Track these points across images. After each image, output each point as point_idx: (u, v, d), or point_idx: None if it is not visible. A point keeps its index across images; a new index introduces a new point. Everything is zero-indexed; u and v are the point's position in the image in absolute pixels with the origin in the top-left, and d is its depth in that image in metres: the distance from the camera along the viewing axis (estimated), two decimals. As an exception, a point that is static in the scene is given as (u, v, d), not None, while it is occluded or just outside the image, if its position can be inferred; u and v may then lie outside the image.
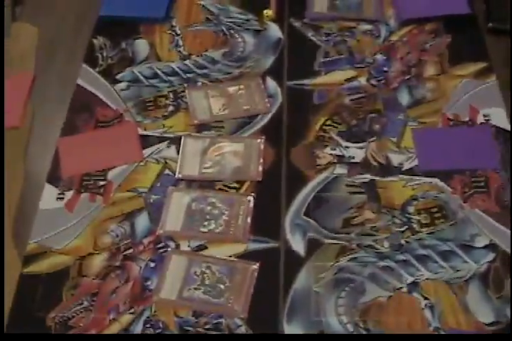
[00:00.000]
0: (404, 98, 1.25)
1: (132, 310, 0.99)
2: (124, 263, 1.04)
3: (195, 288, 1.01)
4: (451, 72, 1.28)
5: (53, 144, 1.20)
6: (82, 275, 1.03)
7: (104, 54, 1.36)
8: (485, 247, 1.04)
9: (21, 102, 1.26)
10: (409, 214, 1.08)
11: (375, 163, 1.15)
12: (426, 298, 0.99)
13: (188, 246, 1.06)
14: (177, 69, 1.32)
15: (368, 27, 1.38)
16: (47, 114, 1.26)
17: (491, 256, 1.03)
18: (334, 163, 1.15)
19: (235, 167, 1.15)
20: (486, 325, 0.96)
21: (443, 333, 0.95)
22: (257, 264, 1.02)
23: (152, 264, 1.04)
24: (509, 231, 1.05)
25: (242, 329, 0.97)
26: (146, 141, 1.20)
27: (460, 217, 1.07)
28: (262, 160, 1.16)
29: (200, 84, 1.29)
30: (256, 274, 1.02)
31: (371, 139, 1.18)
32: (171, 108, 1.25)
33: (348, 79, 1.28)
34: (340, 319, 0.97)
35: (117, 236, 1.08)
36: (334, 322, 0.97)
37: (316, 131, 1.20)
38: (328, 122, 1.21)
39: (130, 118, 1.24)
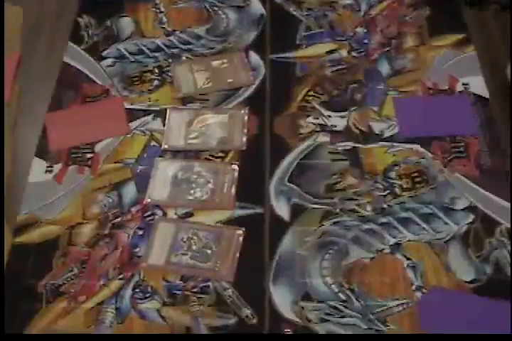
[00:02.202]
0: (384, 68, 1.27)
1: (121, 276, 1.02)
2: (112, 232, 1.07)
3: (183, 254, 1.03)
4: (430, 43, 1.30)
5: (41, 119, 1.21)
6: (71, 244, 1.06)
7: (90, 32, 1.37)
8: (464, 209, 1.07)
9: (9, 79, 1.27)
10: (390, 179, 1.10)
11: (356, 131, 1.17)
12: (408, 259, 1.01)
13: (175, 214, 1.08)
14: (161, 45, 1.34)
15: (349, 1, 1.40)
16: (34, 90, 1.28)
17: (470, 217, 1.06)
18: (317, 131, 1.17)
19: (220, 137, 1.17)
20: (467, 282, 0.99)
21: (424, 291, 0.98)
22: (243, 229, 1.05)
23: (140, 232, 1.06)
24: (488, 194, 1.08)
25: (229, 292, 0.99)
26: (132, 114, 1.22)
27: (440, 181, 1.10)
28: (246, 130, 1.18)
29: (184, 58, 1.31)
30: (241, 239, 1.04)
31: (353, 108, 1.20)
32: (156, 82, 1.27)
33: (330, 52, 1.30)
34: (325, 280, 1.00)
35: (105, 205, 1.10)
36: (319, 283, 1.00)
37: (298, 101, 1.22)
38: (311, 93, 1.23)
39: (116, 94, 1.25)
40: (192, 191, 1.10)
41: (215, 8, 1.40)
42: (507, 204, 1.06)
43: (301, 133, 1.17)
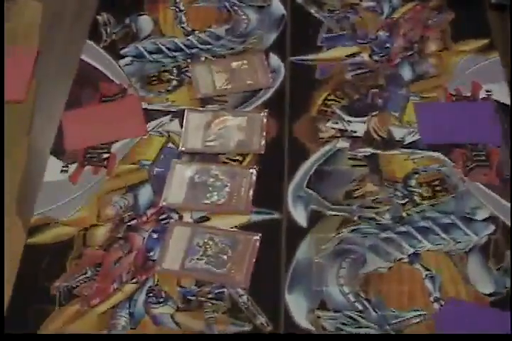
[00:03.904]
0: (406, 73, 1.25)
1: (135, 280, 1.00)
2: (127, 234, 1.05)
3: (198, 259, 1.02)
4: (453, 48, 1.29)
5: (57, 118, 1.21)
6: (86, 246, 1.05)
7: (108, 30, 1.36)
8: (485, 220, 1.05)
9: (25, 77, 1.27)
10: (410, 186, 1.09)
11: (377, 137, 1.16)
12: (427, 269, 1.00)
13: (191, 218, 1.07)
14: (181, 44, 1.32)
15: (371, 4, 1.38)
16: (50, 88, 1.27)
17: (491, 228, 1.04)
18: (337, 136, 1.16)
19: (238, 140, 1.16)
20: (486, 295, 0.97)
21: (442, 303, 0.96)
22: (259, 235, 1.03)
23: (155, 235, 1.05)
24: (510, 204, 1.06)
25: (244, 299, 0.98)
26: (149, 115, 1.21)
27: (461, 190, 1.08)
28: (264, 134, 1.16)
29: (203, 59, 1.30)
30: (258, 245, 1.03)
31: (373, 113, 1.19)
32: (174, 82, 1.26)
33: (351, 55, 1.29)
34: (342, 289, 0.98)
35: (121, 207, 1.09)
36: (335, 292, 0.98)
37: (318, 105, 1.21)
38: (331, 97, 1.22)
39: (134, 93, 1.24)
40: (209, 195, 1.09)
41: (235, 8, 1.39)
42: (529, 216, 1.05)
43: (321, 138, 1.16)
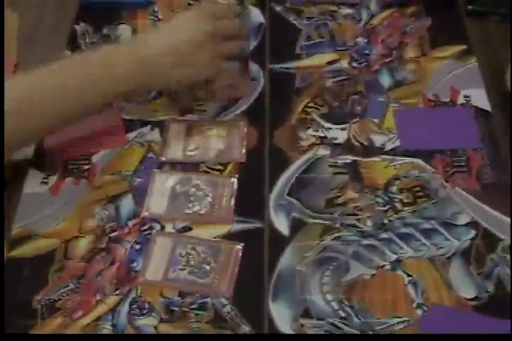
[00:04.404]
0: (385, 80, 1.26)
1: (118, 292, 1.00)
2: (109, 246, 1.05)
3: (181, 269, 1.01)
4: (431, 54, 1.29)
5: (37, 129, 1.19)
6: (67, 258, 1.04)
7: (87, 40, 1.36)
8: (466, 225, 1.05)
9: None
10: (391, 193, 1.09)
11: (357, 144, 1.16)
12: (409, 275, 1.00)
13: (173, 228, 1.07)
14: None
15: (349, 11, 1.39)
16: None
17: (472, 233, 1.04)
18: (317, 144, 1.16)
19: (219, 149, 1.16)
20: (468, 299, 0.97)
21: (425, 309, 0.96)
22: (242, 244, 1.03)
23: (137, 246, 1.05)
24: (490, 209, 1.07)
25: (228, 309, 0.98)
26: (129, 125, 1.20)
27: (441, 196, 1.09)
28: (245, 142, 1.16)
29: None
30: (240, 254, 1.02)
31: (353, 120, 1.19)
32: (153, 93, 1.25)
33: (330, 62, 1.29)
34: (325, 297, 0.98)
35: (102, 219, 1.08)
36: (319, 300, 0.98)
37: (298, 113, 1.21)
38: (311, 104, 1.22)
39: (114, 104, 1.23)
40: (190, 204, 1.09)
41: (214, 16, 1.39)
42: (509, 220, 1.05)
43: (301, 146, 1.16)
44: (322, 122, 1.19)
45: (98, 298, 0.99)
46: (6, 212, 1.09)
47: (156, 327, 0.96)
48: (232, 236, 1.05)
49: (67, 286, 1.01)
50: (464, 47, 1.30)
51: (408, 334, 0.95)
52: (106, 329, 0.96)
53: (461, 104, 1.21)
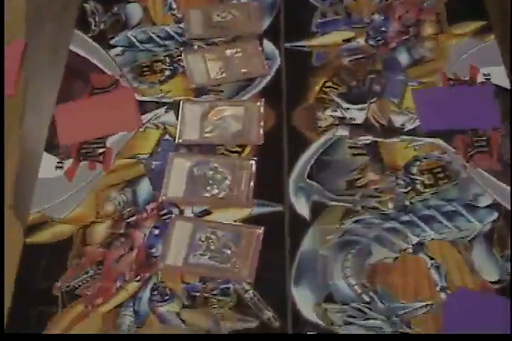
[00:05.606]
0: (403, 58, 1.23)
1: (138, 278, 0.99)
2: (127, 231, 1.04)
3: (201, 254, 1.00)
4: (449, 31, 1.26)
5: (49, 112, 1.17)
6: (85, 244, 1.03)
7: (97, 19, 1.32)
8: (488, 206, 1.04)
9: (14, 70, 1.23)
10: (412, 174, 1.08)
11: (376, 124, 1.14)
12: (432, 258, 0.99)
13: (192, 212, 1.05)
14: (172, 32, 1.29)
15: (365, -14, 1.36)
16: (40, 81, 1.23)
17: (494, 215, 1.03)
18: (336, 124, 1.14)
19: (236, 131, 1.14)
20: (491, 283, 0.97)
21: (449, 292, 0.96)
22: (262, 228, 1.02)
23: (156, 231, 1.03)
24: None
25: (250, 294, 0.97)
26: (144, 107, 1.18)
27: (463, 177, 1.07)
28: (262, 124, 1.14)
29: (196, 47, 1.27)
30: (261, 238, 1.01)
31: (372, 100, 1.17)
32: (167, 72, 1.23)
33: (346, 40, 1.26)
34: (348, 281, 0.98)
35: (119, 203, 1.07)
36: (342, 284, 0.97)
37: (316, 92, 1.18)
38: (328, 84, 1.19)
39: (126, 84, 1.21)
40: (209, 188, 1.07)
41: (227, -7, 1.36)
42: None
43: (319, 127, 1.14)
44: (340, 102, 1.17)
45: (119, 284, 0.98)
46: (22, 196, 1.08)
47: (178, 314, 0.96)
48: (252, 220, 1.04)
49: (87, 273, 1.00)
50: (483, 23, 1.26)
51: (418, 334, 0.94)
52: (128, 316, 0.96)
53: (481, 83, 1.19)
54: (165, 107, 1.18)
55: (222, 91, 1.20)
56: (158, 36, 1.29)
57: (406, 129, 1.13)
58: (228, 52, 1.25)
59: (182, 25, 1.30)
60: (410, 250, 1.00)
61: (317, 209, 1.05)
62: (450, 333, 0.92)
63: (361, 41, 1.26)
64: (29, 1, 1.36)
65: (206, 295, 0.97)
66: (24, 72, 1.24)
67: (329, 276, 0.98)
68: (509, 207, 1.03)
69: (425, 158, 1.10)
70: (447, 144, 1.11)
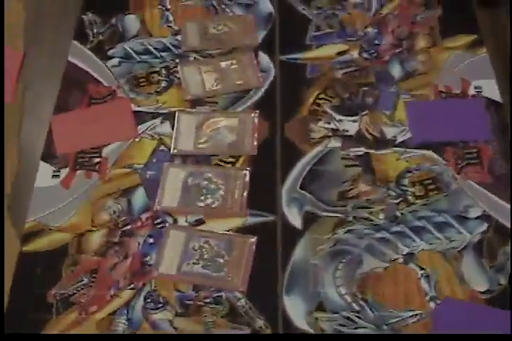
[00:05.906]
0: (396, 71, 1.25)
1: (132, 286, 1.00)
2: (122, 239, 1.05)
3: (194, 263, 1.02)
4: (442, 44, 1.28)
5: (46, 120, 1.19)
6: (80, 252, 1.04)
7: (95, 30, 1.34)
8: (478, 218, 1.05)
9: (13, 78, 1.25)
10: (403, 186, 1.09)
11: (369, 136, 1.16)
12: (422, 268, 1.00)
13: (186, 221, 1.07)
14: (169, 44, 1.31)
15: (359, 0, 1.37)
16: (38, 90, 1.25)
17: (484, 226, 1.04)
18: (328, 136, 1.16)
19: (230, 142, 1.15)
20: (480, 292, 0.98)
21: (438, 302, 0.97)
22: (255, 238, 1.03)
23: (151, 240, 1.05)
24: (502, 202, 1.07)
25: (242, 302, 0.98)
26: (140, 117, 1.20)
27: (453, 189, 1.08)
28: (256, 135, 1.16)
29: (192, 59, 1.29)
30: (254, 248, 1.03)
31: (364, 112, 1.19)
32: (163, 83, 1.25)
33: (340, 53, 1.28)
34: (339, 290, 0.99)
35: (114, 212, 1.08)
36: (333, 293, 0.99)
37: (309, 104, 1.20)
38: (321, 96, 1.21)
39: (123, 95, 1.23)
40: (203, 197, 1.09)
41: (223, 6, 1.37)
42: (521, 213, 1.05)
43: (312, 138, 1.16)
44: (333, 114, 1.18)
45: (113, 292, 1.00)
46: (19, 204, 1.09)
47: (171, 321, 0.97)
48: (245, 230, 1.05)
49: (82, 281, 1.01)
50: (475, 37, 1.28)
51: (410, 334, 0.95)
52: (121, 323, 0.97)
53: (473, 96, 1.20)
54: (161, 118, 1.20)
55: (217, 102, 1.22)
56: (155, 48, 1.30)
57: (398, 141, 1.15)
58: (223, 64, 1.27)
59: (178, 37, 1.32)
60: (401, 260, 1.02)
61: (309, 219, 1.06)
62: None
63: (355, 54, 1.28)
64: (28, 11, 1.38)
65: (199, 303, 0.98)
66: (22, 81, 1.26)
67: (320, 285, 0.99)
68: (499, 219, 1.05)
69: (416, 170, 1.11)
70: (438, 156, 1.13)
